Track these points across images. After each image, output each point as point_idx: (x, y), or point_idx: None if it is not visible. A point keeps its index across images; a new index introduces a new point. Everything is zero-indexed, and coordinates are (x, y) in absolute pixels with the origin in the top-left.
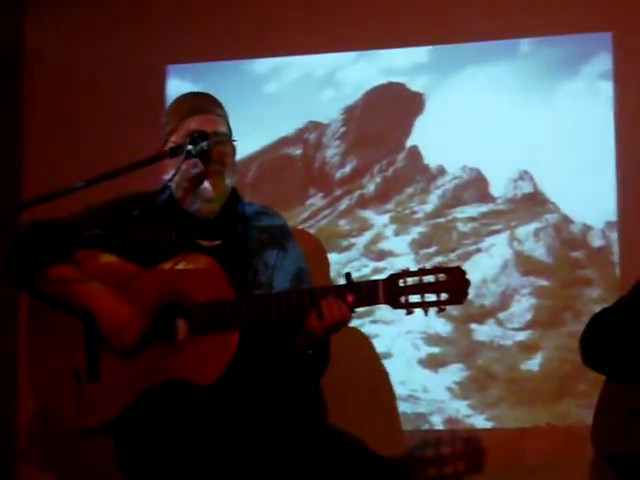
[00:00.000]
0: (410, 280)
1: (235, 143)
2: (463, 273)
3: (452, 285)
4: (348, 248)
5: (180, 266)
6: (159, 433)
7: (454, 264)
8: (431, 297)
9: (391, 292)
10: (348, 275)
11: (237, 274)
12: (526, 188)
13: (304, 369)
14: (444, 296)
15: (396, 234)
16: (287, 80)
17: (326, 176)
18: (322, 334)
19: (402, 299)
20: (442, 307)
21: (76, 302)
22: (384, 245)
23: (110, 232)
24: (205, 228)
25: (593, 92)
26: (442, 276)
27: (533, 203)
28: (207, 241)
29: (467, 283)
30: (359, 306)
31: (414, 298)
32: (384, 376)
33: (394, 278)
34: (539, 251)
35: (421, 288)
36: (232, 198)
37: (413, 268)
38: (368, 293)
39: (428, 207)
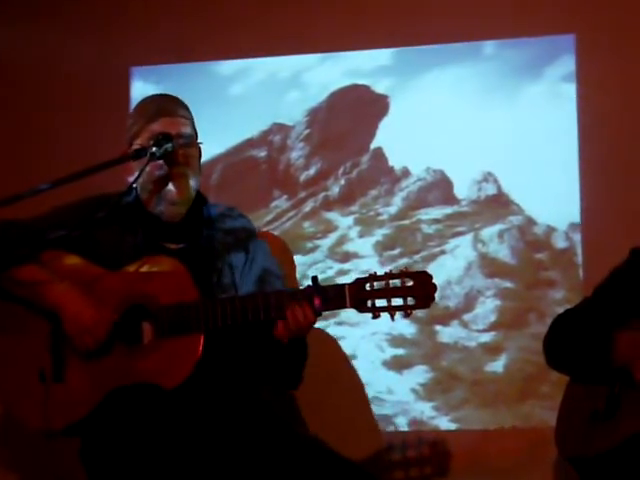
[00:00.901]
0: (376, 284)
1: (200, 145)
2: (430, 277)
3: (418, 289)
4: (313, 250)
5: (145, 268)
6: (124, 435)
7: (420, 268)
8: (397, 301)
9: (357, 296)
10: (315, 279)
11: (202, 277)
12: (490, 190)
13: (284, 361)
14: (410, 300)
15: (360, 236)
16: (251, 82)
17: (290, 178)
18: (288, 338)
19: (368, 303)
20: (408, 311)
21: (43, 302)
22: (349, 247)
23: (76, 233)
24: (170, 231)
25: (556, 94)
26: (409, 280)
27: (497, 205)
28: (172, 244)
29: (433, 288)
30: (325, 310)
31: (380, 302)
32: (352, 378)
33: (360, 282)
34: (503, 253)
35: (387, 292)
36: (198, 201)
37: (379, 271)
38: (334, 297)
39: (392, 209)
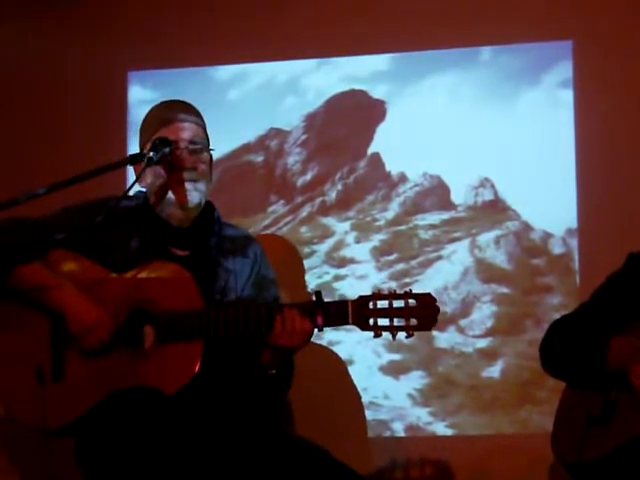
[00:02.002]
0: (380, 303)
1: (212, 151)
2: (433, 300)
3: (421, 311)
4: (309, 255)
5: (150, 273)
6: (122, 438)
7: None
8: (400, 321)
9: (360, 314)
10: (318, 294)
11: (206, 284)
12: (487, 195)
13: (267, 389)
14: (413, 321)
15: (357, 241)
16: (249, 87)
17: (287, 183)
18: (283, 344)
19: (370, 321)
20: (410, 332)
21: (47, 301)
22: (345, 252)
23: (83, 235)
24: (178, 236)
25: (554, 100)
26: (412, 302)
27: (494, 210)
28: (179, 249)
29: (436, 310)
30: (327, 326)
31: (383, 321)
32: (349, 386)
33: (364, 300)
34: (500, 258)
35: (390, 312)
36: (208, 208)
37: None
38: (337, 313)
39: (389, 214)
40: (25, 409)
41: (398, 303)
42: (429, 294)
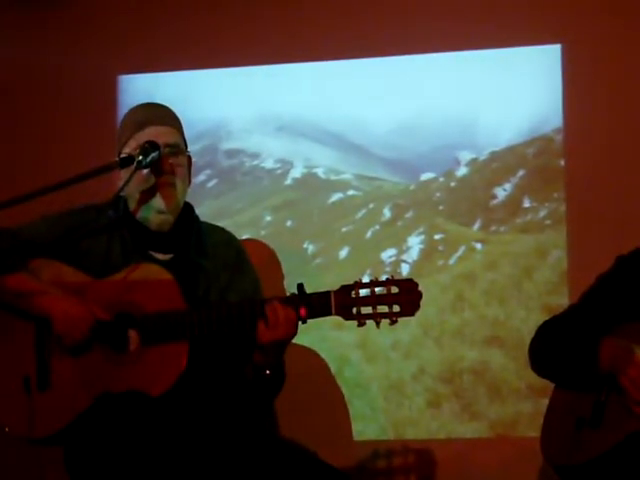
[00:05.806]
0: (362, 291)
1: (189, 154)
2: (415, 285)
3: (404, 297)
4: None
5: (132, 277)
6: (110, 443)
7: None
8: (383, 309)
9: (343, 303)
10: (300, 286)
11: (188, 286)
12: None
13: (261, 389)
14: (396, 308)
15: None
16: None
17: None
18: (271, 342)
19: (354, 310)
20: (394, 319)
21: (32, 307)
22: None
23: (64, 242)
24: (159, 240)
25: (543, 104)
26: (394, 288)
27: None
28: (160, 254)
29: (419, 295)
30: (311, 317)
31: (366, 310)
32: (333, 387)
33: (346, 289)
34: None
35: (373, 300)
36: (187, 211)
37: (365, 279)
38: (320, 304)
39: None
40: (12, 419)
41: (380, 290)
42: (411, 280)
